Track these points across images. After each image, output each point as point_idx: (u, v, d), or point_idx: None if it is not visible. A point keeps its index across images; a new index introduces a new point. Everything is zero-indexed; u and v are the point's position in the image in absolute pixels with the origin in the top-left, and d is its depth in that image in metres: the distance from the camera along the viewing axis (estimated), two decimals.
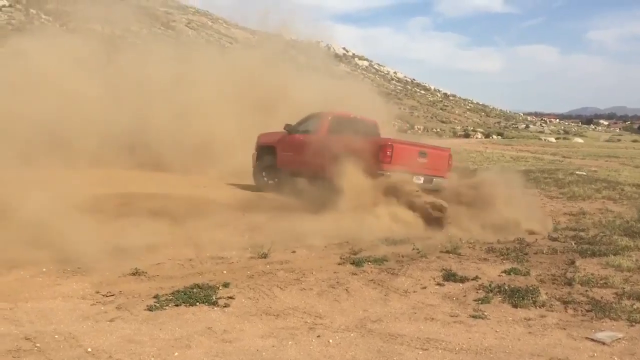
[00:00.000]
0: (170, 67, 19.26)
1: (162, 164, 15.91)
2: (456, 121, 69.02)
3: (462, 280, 6.65)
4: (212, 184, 14.58)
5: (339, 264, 7.26)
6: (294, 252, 7.88)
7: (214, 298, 5.71)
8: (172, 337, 4.77)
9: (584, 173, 21.10)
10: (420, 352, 4.67)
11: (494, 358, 4.64)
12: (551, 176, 19.12)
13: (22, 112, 14.42)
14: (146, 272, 6.59)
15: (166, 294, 5.77)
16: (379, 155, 11.18)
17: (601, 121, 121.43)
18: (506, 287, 6.27)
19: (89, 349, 4.46)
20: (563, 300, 5.98)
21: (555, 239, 9.07)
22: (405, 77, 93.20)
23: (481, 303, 5.92)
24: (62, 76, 15.88)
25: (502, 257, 7.75)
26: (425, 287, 6.45)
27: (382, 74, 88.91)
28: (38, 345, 4.50)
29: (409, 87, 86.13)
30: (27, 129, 13.86)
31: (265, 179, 13.92)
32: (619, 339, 5.00)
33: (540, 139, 56.39)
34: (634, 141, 59.16)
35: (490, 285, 6.39)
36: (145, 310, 5.38)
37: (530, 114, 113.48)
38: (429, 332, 5.10)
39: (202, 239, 8.48)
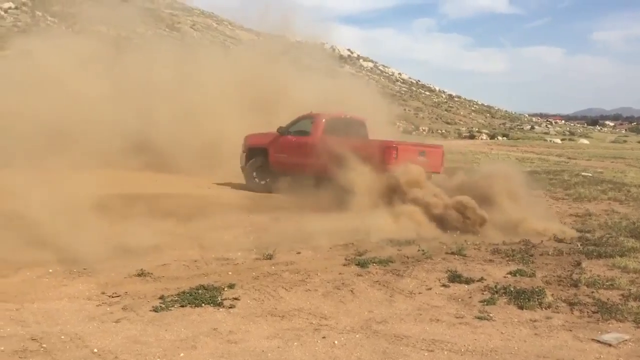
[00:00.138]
0: (176, 68, 19.33)
1: (168, 165, 15.95)
2: (461, 122, 68.83)
3: (468, 281, 6.64)
4: (217, 185, 14.64)
5: (344, 265, 7.26)
6: (299, 253, 7.89)
7: (219, 299, 5.72)
8: (178, 338, 4.78)
9: (590, 174, 21.01)
10: (426, 354, 4.67)
11: (500, 359, 4.63)
12: (557, 177, 19.06)
13: (29, 112, 14.52)
14: (152, 273, 6.61)
15: (172, 295, 5.79)
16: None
17: (607, 122, 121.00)
18: (512, 289, 6.26)
19: (95, 350, 4.48)
20: (569, 302, 5.96)
21: (561, 240, 9.04)
22: (410, 78, 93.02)
23: (487, 304, 5.91)
24: (68, 76, 15.98)
25: (507, 259, 7.74)
26: (430, 289, 6.44)
27: (387, 75, 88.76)
28: (44, 345, 4.52)
29: (414, 89, 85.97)
30: (34, 129, 13.95)
31: (257, 179, 14.19)
32: (625, 340, 4.98)
33: (545, 140, 56.18)
34: None
35: (495, 287, 6.38)
36: (151, 311, 5.40)
37: (535, 115, 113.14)
38: (434, 334, 5.10)
39: (207, 240, 8.51)
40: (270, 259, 7.46)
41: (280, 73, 19.49)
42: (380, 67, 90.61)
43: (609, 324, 5.40)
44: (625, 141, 61.77)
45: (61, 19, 43.37)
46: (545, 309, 5.80)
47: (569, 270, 7.17)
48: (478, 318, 5.53)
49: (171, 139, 16.02)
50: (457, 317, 5.56)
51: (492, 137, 57.29)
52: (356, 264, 7.25)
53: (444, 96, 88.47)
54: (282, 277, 6.62)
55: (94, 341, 4.63)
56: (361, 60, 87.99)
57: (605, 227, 10.31)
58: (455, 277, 6.75)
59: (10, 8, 47.44)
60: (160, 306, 5.49)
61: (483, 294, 6.25)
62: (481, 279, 6.70)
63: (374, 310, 5.70)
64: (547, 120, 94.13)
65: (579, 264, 7.48)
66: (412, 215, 9.86)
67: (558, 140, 55.60)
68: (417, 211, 9.97)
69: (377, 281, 6.60)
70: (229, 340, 4.80)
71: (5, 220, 7.64)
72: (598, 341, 4.98)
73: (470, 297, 6.15)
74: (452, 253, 7.99)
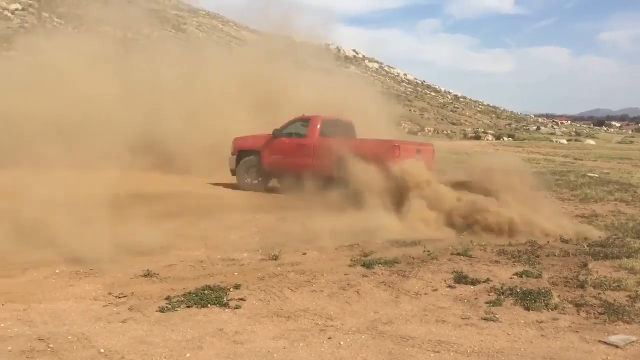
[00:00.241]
0: (181, 68, 19.41)
1: (174, 165, 16.04)
2: (467, 123, 68.72)
3: (474, 282, 6.62)
4: (223, 185, 14.68)
5: (349, 266, 7.26)
6: (305, 254, 7.89)
7: (225, 300, 5.73)
8: (184, 339, 4.79)
9: (597, 175, 20.94)
10: (432, 355, 4.66)
11: None
12: (563, 178, 19.00)
13: (38, 112, 14.61)
14: (158, 274, 6.63)
15: (178, 296, 5.81)
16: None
17: (613, 123, 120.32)
18: (518, 290, 6.24)
19: (102, 350, 4.50)
20: (576, 303, 5.94)
21: (567, 242, 9.00)
22: (415, 79, 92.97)
23: (493, 306, 5.89)
24: (77, 76, 16.09)
25: (513, 260, 7.71)
26: (436, 290, 6.43)
27: (393, 76, 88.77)
28: (52, 346, 4.54)
29: (420, 89, 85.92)
30: (43, 129, 14.04)
31: (248, 180, 14.59)
32: (633, 342, 4.96)
33: (551, 141, 56.03)
34: None
35: (502, 288, 6.36)
36: (157, 311, 5.42)
37: (541, 115, 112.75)
38: (440, 335, 5.09)
39: (213, 241, 8.54)
40: (276, 259, 7.48)
41: (284, 73, 19.54)
42: (386, 68, 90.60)
43: (616, 325, 5.37)
44: (632, 142, 61.53)
45: (68, 21, 43.55)
46: (552, 310, 5.78)
47: (575, 272, 7.14)
48: (484, 319, 5.52)
49: (178, 139, 16.10)
50: (463, 319, 5.54)
51: (498, 137, 57.17)
52: (362, 265, 7.24)
53: (449, 97, 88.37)
54: (288, 278, 6.63)
55: (100, 341, 4.65)
56: (367, 61, 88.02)
57: (612, 228, 10.26)
58: (461, 278, 6.73)
59: (17, 10, 47.73)
60: (167, 307, 5.51)
61: (489, 295, 6.22)
62: (487, 280, 6.68)
63: (380, 311, 5.70)
64: (554, 121, 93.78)
65: (585, 265, 7.45)
66: (418, 215, 9.85)
67: (564, 141, 55.44)
68: (424, 210, 9.95)
69: (383, 282, 6.59)
70: (235, 340, 4.81)
71: (13, 220, 7.69)
72: (605, 343, 4.95)
73: (476, 299, 6.13)
74: (458, 254, 7.97)
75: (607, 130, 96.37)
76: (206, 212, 10.84)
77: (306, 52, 25.01)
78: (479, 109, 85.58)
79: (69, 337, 4.71)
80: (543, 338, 5.08)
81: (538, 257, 7.92)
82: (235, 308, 5.58)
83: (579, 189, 16.05)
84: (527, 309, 5.79)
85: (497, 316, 5.59)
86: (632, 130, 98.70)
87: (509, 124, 76.05)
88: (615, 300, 5.97)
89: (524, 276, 6.89)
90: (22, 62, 18.45)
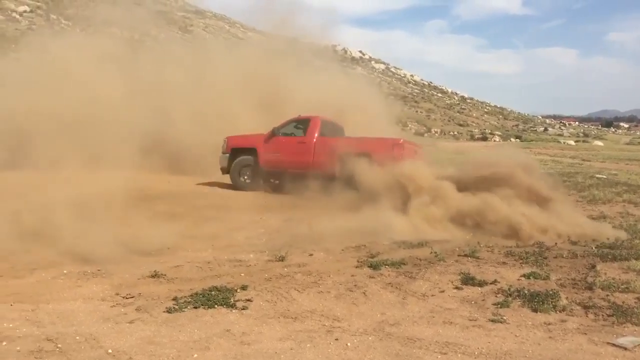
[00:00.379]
0: (188, 68, 19.46)
1: (182, 166, 16.09)
2: (473, 124, 68.50)
3: (481, 284, 6.60)
4: (229, 186, 14.68)
5: (356, 267, 7.25)
6: (311, 255, 7.89)
7: (232, 300, 5.74)
8: (191, 339, 4.80)
9: (604, 176, 20.83)
10: (439, 356, 4.65)
11: None
12: (570, 179, 18.91)
13: (45, 111, 14.70)
14: (165, 275, 6.65)
15: (185, 296, 5.82)
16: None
17: (621, 124, 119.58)
18: (526, 291, 6.21)
19: (110, 350, 4.52)
20: (584, 305, 5.91)
21: (575, 243, 8.96)
22: (422, 80, 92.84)
23: (500, 307, 5.86)
24: (84, 77, 16.15)
25: (521, 261, 7.67)
26: (443, 291, 6.41)
27: (399, 77, 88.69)
28: (59, 346, 4.57)
29: (426, 90, 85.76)
30: (50, 129, 14.12)
31: (242, 178, 14.71)
32: None
33: (559, 141, 55.78)
34: None
35: (509, 289, 6.33)
36: (164, 312, 5.43)
37: (548, 116, 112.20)
38: (447, 336, 5.07)
39: (219, 242, 8.56)
40: (282, 260, 7.48)
41: (289, 73, 19.56)
42: (392, 69, 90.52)
43: (624, 327, 5.34)
44: None
45: (75, 22, 43.75)
46: (560, 312, 5.75)
47: (583, 273, 7.10)
48: (491, 321, 5.50)
49: (185, 140, 16.16)
50: (470, 320, 5.52)
51: (504, 138, 56.99)
52: (368, 266, 7.23)
53: (456, 98, 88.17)
54: (295, 279, 6.63)
55: (108, 342, 4.67)
56: (373, 62, 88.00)
57: (620, 229, 10.19)
58: (468, 280, 6.71)
59: (25, 11, 47.99)
60: (174, 307, 5.53)
61: (496, 296, 6.20)
62: (494, 282, 6.65)
63: (387, 313, 5.69)
64: (561, 122, 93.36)
65: (593, 266, 7.41)
66: (425, 215, 9.81)
67: (572, 142, 55.20)
68: (431, 210, 9.91)
69: (390, 283, 6.58)
70: (242, 341, 4.81)
71: (21, 220, 7.74)
72: (613, 345, 4.93)
73: (483, 300, 6.11)
74: (465, 255, 7.94)
75: (615, 131, 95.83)
76: (212, 212, 10.88)
77: (310, 52, 25.00)
78: (485, 109, 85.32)
79: (77, 337, 4.73)
80: (551, 340, 5.06)
81: (545, 258, 7.88)
82: (242, 309, 5.59)
83: (586, 190, 15.96)
84: (535, 310, 5.76)
85: (505, 317, 5.57)
86: None
87: (516, 125, 75.76)
88: (623, 302, 5.94)
89: (531, 277, 6.85)
90: (30, 62, 18.53)
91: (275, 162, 14.24)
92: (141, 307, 5.56)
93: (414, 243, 8.58)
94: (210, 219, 10.21)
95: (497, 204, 9.62)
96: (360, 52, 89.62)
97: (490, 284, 6.60)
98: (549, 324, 5.43)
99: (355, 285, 6.43)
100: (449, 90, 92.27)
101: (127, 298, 5.84)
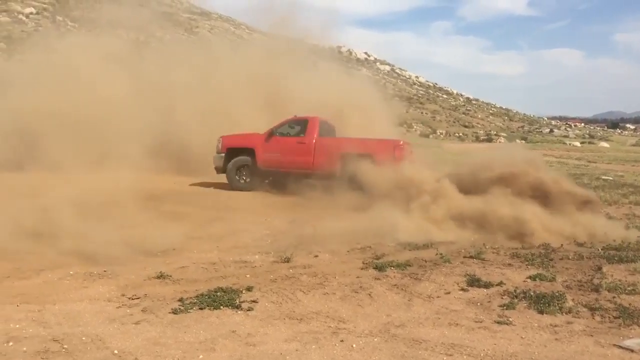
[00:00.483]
0: (193, 69, 19.50)
1: (188, 167, 16.14)
2: (479, 125, 68.31)
3: (487, 285, 6.59)
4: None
5: (361, 269, 7.25)
6: (316, 256, 7.88)
7: (237, 302, 5.75)
8: (197, 340, 4.81)
9: (610, 178, 20.77)
10: (445, 358, 4.64)
11: None
12: (576, 181, 18.81)
13: (52, 112, 14.76)
14: (171, 276, 6.66)
15: (190, 298, 5.83)
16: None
17: (627, 125, 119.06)
18: (531, 293, 6.20)
19: (116, 351, 4.53)
20: (590, 307, 5.89)
21: (581, 245, 8.93)
22: (427, 81, 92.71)
23: (506, 309, 5.85)
24: (91, 77, 16.22)
25: (527, 263, 7.66)
26: (449, 292, 6.40)
27: (404, 78, 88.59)
28: (66, 346, 4.58)
29: (431, 92, 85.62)
30: (56, 129, 14.18)
31: (239, 177, 14.71)
32: None
33: (564, 143, 55.57)
34: None
35: (515, 291, 6.32)
36: (170, 313, 5.44)
37: (554, 118, 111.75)
38: (453, 338, 5.07)
39: (225, 243, 8.56)
40: (287, 262, 7.48)
41: (291, 73, 19.57)
42: (397, 70, 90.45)
43: (631, 329, 5.33)
44: None
45: (81, 24, 43.90)
46: (566, 313, 5.74)
47: (589, 275, 7.08)
48: (497, 322, 5.49)
49: (191, 140, 16.21)
50: (476, 322, 5.51)
51: (510, 140, 56.81)
52: (374, 268, 7.23)
53: (461, 99, 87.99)
54: (300, 280, 6.63)
55: (114, 342, 4.69)
56: (378, 64, 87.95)
57: (633, 228, 10.15)
58: (474, 281, 6.70)
59: (31, 13, 48.20)
60: (179, 308, 5.54)
61: (502, 298, 6.19)
62: (500, 283, 6.64)
63: (392, 314, 5.68)
64: (567, 123, 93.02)
65: (599, 268, 7.39)
66: (430, 216, 9.79)
67: (577, 144, 54.98)
68: (436, 211, 9.88)
69: (395, 285, 6.58)
70: (247, 342, 4.82)
71: (27, 220, 7.76)
72: (620, 347, 4.91)
73: (489, 302, 6.10)
74: (471, 257, 7.93)
75: (621, 132, 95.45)
76: (217, 213, 10.90)
77: (312, 53, 25.02)
78: (491, 111, 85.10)
79: (83, 338, 4.75)
80: (557, 342, 5.04)
81: (551, 260, 7.86)
82: (247, 310, 5.59)
83: (592, 191, 15.89)
84: (541, 312, 5.75)
85: (511, 319, 5.56)
86: None
87: (521, 126, 75.50)
88: (630, 304, 5.92)
89: (537, 279, 6.84)
90: (36, 63, 18.63)
91: (274, 162, 14.26)
92: (147, 308, 5.57)
93: (419, 244, 8.56)
94: (215, 220, 10.22)
95: (503, 205, 9.59)
96: (366, 53, 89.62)
97: (496, 285, 6.59)
98: (555, 325, 5.42)
99: (360, 287, 6.43)
100: (454, 92, 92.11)
101: (133, 299, 5.86)
